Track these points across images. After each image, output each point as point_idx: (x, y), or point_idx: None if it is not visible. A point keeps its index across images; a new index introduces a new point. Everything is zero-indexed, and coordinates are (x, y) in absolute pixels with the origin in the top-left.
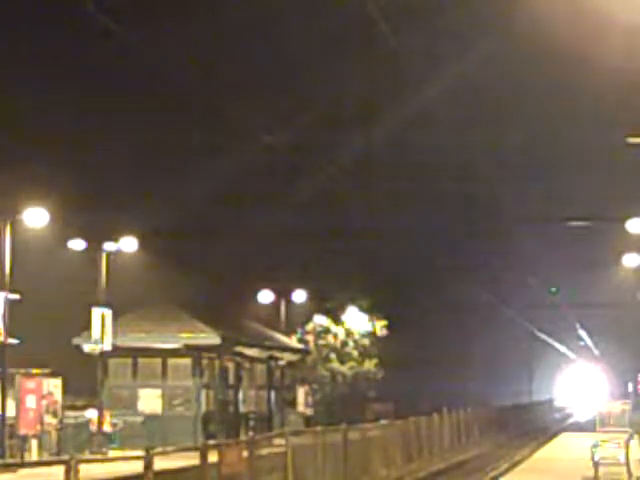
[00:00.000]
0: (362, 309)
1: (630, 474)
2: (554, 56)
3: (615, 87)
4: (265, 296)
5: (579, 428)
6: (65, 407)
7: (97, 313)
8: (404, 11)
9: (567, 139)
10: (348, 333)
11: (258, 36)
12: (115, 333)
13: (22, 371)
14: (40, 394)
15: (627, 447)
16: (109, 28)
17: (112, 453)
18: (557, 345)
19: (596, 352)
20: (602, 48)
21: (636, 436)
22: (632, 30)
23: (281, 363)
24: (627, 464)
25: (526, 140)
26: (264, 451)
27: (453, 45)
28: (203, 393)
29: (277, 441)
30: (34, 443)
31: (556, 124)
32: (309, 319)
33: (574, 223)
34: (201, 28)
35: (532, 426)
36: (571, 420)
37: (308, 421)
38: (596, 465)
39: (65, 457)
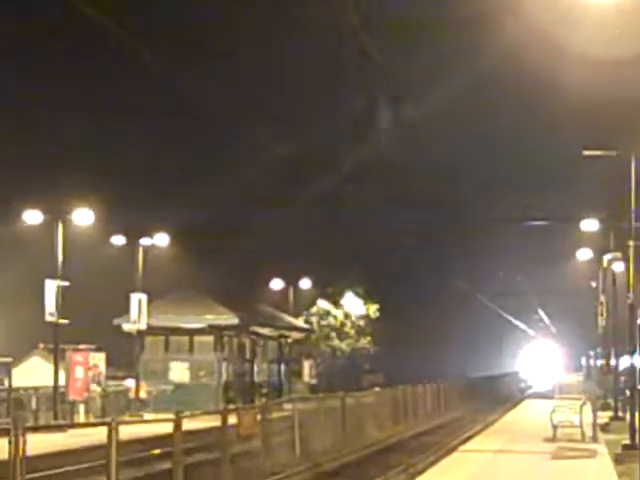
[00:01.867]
0: (358, 295)
1: (583, 434)
2: (521, 82)
3: (572, 108)
4: (276, 284)
5: (540, 396)
6: (107, 377)
7: (135, 298)
8: (393, 42)
9: (532, 153)
10: (346, 315)
11: (273, 67)
12: (149, 315)
13: (71, 347)
14: (87, 366)
15: (581, 412)
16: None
17: (147, 416)
18: (522, 326)
19: (554, 331)
20: (562, 75)
21: (588, 402)
22: (586, 59)
23: (289, 340)
24: (581, 426)
25: (496, 152)
26: (275, 414)
27: (436, 71)
28: (223, 366)
29: (286, 406)
30: (81, 407)
31: (522, 139)
32: (313, 303)
33: (537, 223)
34: (222, 60)
35: (501, 394)
36: (533, 390)
37: (312, 389)
38: (554, 427)
39: (107, 419)
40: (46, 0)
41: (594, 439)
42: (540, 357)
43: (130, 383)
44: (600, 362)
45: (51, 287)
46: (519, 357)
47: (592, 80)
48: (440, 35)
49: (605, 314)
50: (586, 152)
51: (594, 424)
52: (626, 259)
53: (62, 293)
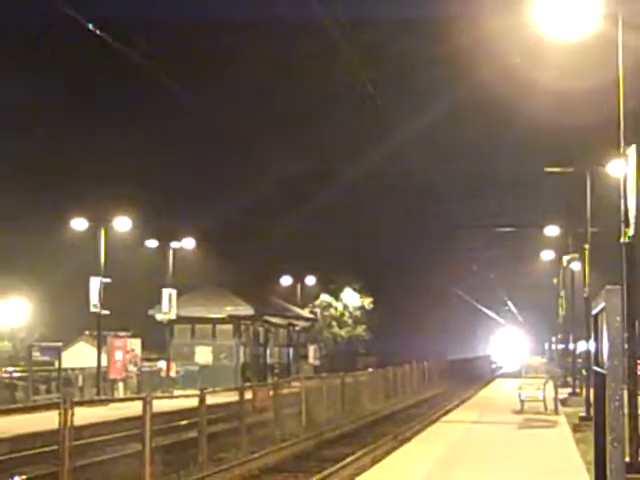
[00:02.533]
0: (355, 290)
1: (546, 407)
2: (492, 108)
3: (536, 131)
4: (285, 280)
5: (509, 376)
6: (143, 359)
7: (166, 292)
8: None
9: (501, 169)
10: (345, 307)
11: (284, 95)
12: (178, 307)
13: (112, 333)
14: (125, 350)
15: (544, 389)
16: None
17: (176, 392)
18: (493, 315)
19: (521, 320)
20: (527, 104)
21: (550, 381)
22: (548, 91)
23: (297, 328)
24: (544, 400)
25: (472, 170)
26: (285, 391)
27: (420, 101)
28: (241, 349)
29: (294, 384)
30: (120, 385)
31: (495, 158)
32: (317, 297)
33: (507, 229)
34: (243, 88)
35: (475, 374)
36: (502, 370)
37: (316, 370)
38: (522, 402)
39: (142, 395)
40: (80, 36)
41: (555, 412)
42: (508, 342)
43: (162, 364)
44: (561, 347)
45: (95, 283)
46: (491, 342)
47: (553, 108)
48: (419, 69)
49: (564, 306)
50: (548, 169)
51: (555, 399)
52: (582, 259)
53: (104, 288)
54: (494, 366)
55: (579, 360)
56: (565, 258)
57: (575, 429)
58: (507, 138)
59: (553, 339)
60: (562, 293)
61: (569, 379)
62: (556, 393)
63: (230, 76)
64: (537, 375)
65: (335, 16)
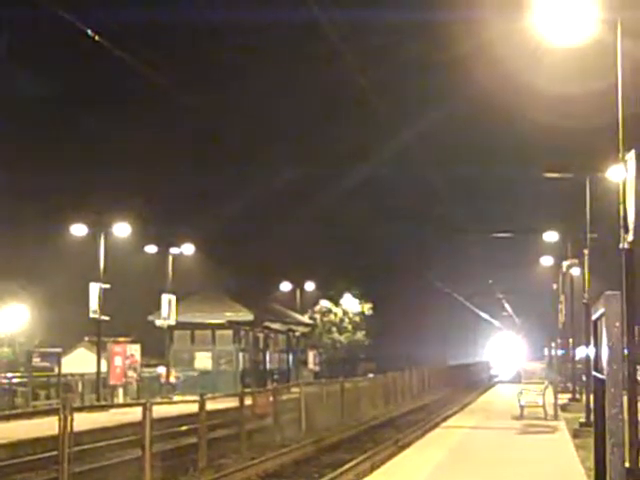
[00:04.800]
0: (354, 295)
1: (546, 413)
2: (491, 114)
3: (535, 135)
4: (285, 286)
5: (509, 381)
6: (142, 365)
7: (165, 298)
8: (385, 82)
9: (501, 174)
10: (344, 312)
11: (284, 100)
12: (178, 312)
13: (112, 339)
14: (124, 355)
15: (544, 394)
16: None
17: (176, 398)
18: (492, 320)
19: (519, 326)
20: (527, 108)
21: (550, 386)
22: (547, 95)
23: (297, 334)
24: (544, 406)
25: (472, 174)
26: (284, 396)
27: (420, 105)
28: (241, 355)
29: (294, 389)
30: (120, 391)
31: (495, 164)
32: (317, 303)
33: (507, 235)
34: (241, 94)
35: (475, 379)
36: (502, 376)
37: (316, 375)
38: (522, 407)
39: (142, 401)
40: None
41: (555, 417)
42: (506, 348)
43: (161, 370)
44: (560, 352)
45: (94, 289)
46: (489, 348)
47: (552, 113)
48: (421, 75)
49: (564, 311)
50: (547, 174)
51: (555, 405)
52: (582, 265)
53: (104, 294)
54: (493, 372)
55: (579, 366)
56: (565, 264)
57: (575, 435)
58: (507, 142)
59: (552, 345)
60: (561, 298)
61: (569, 385)
62: (556, 399)
63: (230, 80)
64: (537, 380)
65: (336, 20)
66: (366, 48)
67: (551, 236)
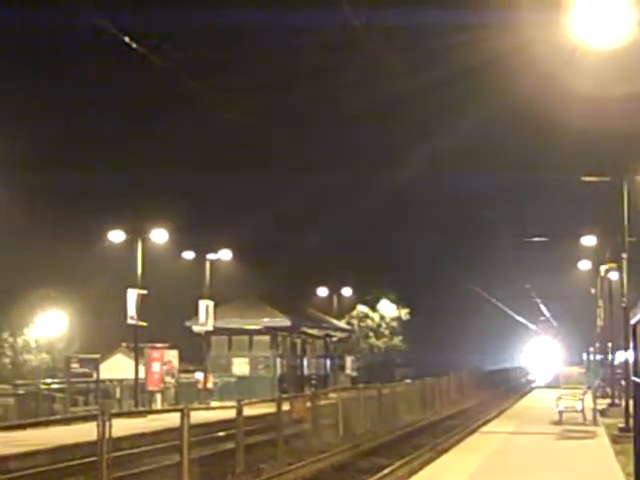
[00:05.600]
0: (391, 301)
1: (585, 418)
2: (528, 119)
3: (572, 139)
4: (322, 291)
5: (546, 386)
6: (180, 371)
7: (203, 304)
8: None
9: (538, 177)
10: (381, 317)
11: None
12: (215, 318)
13: (149, 345)
14: (162, 361)
15: (582, 399)
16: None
17: (213, 404)
18: (530, 325)
19: (557, 331)
20: (563, 111)
21: (589, 391)
22: (584, 98)
23: (334, 339)
24: (582, 411)
25: (509, 178)
26: (322, 402)
27: (456, 110)
28: (278, 361)
29: (331, 395)
30: (158, 396)
31: (534, 169)
32: (354, 308)
33: (544, 239)
34: (272, 96)
35: (513, 384)
36: (540, 380)
37: (353, 381)
38: (560, 412)
39: (180, 406)
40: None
41: (594, 422)
42: (544, 353)
43: (199, 376)
44: (599, 357)
45: (132, 295)
46: (527, 352)
47: (589, 116)
48: (456, 77)
49: (603, 316)
50: (584, 178)
51: (594, 410)
52: (620, 269)
53: (141, 300)
54: (529, 377)
55: (618, 370)
56: (603, 268)
57: (614, 440)
58: (543, 146)
59: (591, 349)
60: (600, 303)
61: (608, 389)
62: (595, 404)
63: (263, 84)
64: (575, 385)
65: (374, 23)
66: (399, 50)
67: (589, 240)
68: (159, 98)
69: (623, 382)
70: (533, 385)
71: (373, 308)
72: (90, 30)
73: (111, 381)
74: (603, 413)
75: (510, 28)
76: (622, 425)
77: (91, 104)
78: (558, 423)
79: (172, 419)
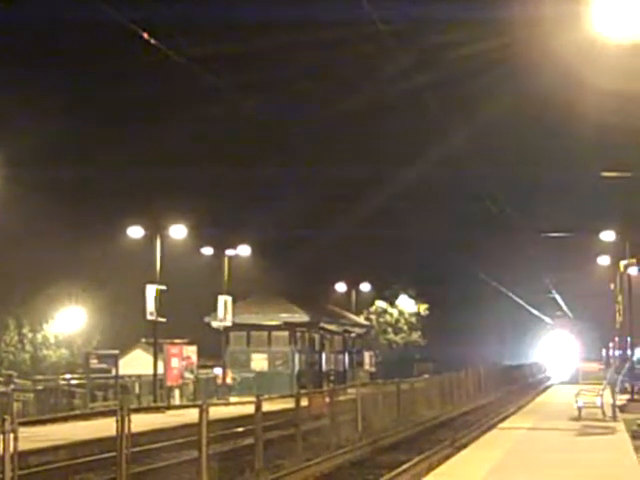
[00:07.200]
0: (410, 296)
1: (604, 414)
2: (547, 112)
3: (593, 134)
4: (340, 287)
5: (565, 382)
6: (199, 366)
7: (221, 299)
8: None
9: (558, 174)
10: (400, 313)
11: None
12: (234, 313)
13: (168, 341)
14: (181, 357)
15: (602, 395)
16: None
17: (232, 399)
18: (548, 320)
19: (576, 326)
20: (583, 106)
21: (608, 387)
22: (604, 92)
23: (352, 335)
24: (602, 407)
25: (528, 173)
26: (340, 397)
27: (474, 105)
28: (297, 356)
29: (350, 390)
30: (177, 392)
31: (551, 162)
32: (372, 303)
33: (563, 234)
34: (291, 91)
35: (531, 380)
36: (559, 376)
37: (372, 376)
38: (579, 408)
39: (199, 402)
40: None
41: (614, 418)
42: (562, 348)
43: (218, 371)
44: (618, 352)
45: (151, 291)
46: (545, 348)
47: (609, 110)
48: (474, 72)
49: (622, 311)
50: (605, 173)
51: (613, 405)
52: None
53: (160, 296)
54: (549, 373)
55: (638, 366)
56: (622, 263)
57: (634, 436)
58: (563, 140)
59: (610, 345)
60: (619, 298)
61: (627, 385)
62: (614, 399)
63: (281, 80)
64: (594, 381)
65: (389, 17)
66: (417, 45)
67: (608, 235)
68: (177, 93)
69: None
70: (551, 381)
71: (392, 304)
72: (107, 25)
73: (130, 377)
74: (622, 409)
75: (529, 22)
76: None
77: (108, 99)
78: (577, 419)
79: (191, 415)
